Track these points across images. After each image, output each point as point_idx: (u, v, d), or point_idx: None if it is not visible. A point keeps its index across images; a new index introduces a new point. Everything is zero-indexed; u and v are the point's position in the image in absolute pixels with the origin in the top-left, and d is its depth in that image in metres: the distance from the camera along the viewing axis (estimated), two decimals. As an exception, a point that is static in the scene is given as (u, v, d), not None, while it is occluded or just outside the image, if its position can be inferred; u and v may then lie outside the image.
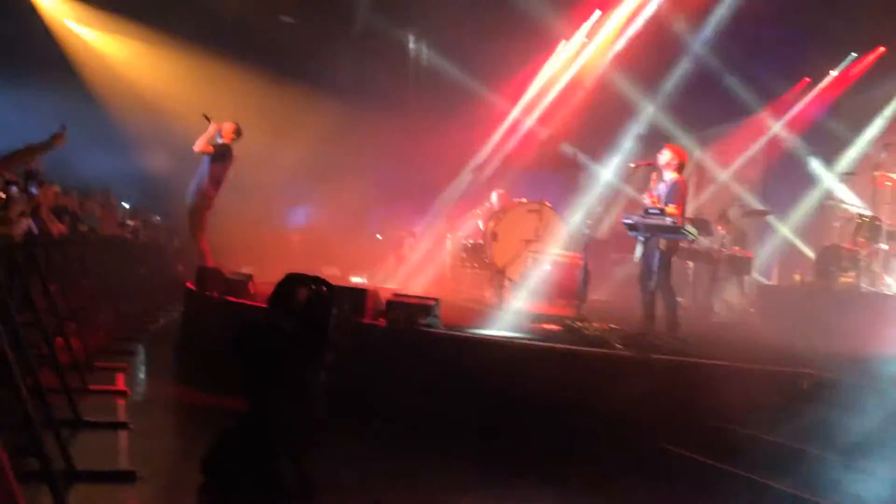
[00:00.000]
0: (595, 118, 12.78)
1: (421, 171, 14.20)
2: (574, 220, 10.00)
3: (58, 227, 9.86)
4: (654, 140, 9.90)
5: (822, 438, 5.03)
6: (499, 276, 9.53)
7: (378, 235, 14.88)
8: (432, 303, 6.41)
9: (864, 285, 9.50)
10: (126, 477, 4.36)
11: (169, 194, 13.66)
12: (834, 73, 13.21)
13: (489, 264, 10.19)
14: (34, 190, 9.46)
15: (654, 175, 7.67)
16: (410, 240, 13.92)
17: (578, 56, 13.93)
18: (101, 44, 14.25)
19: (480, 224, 11.38)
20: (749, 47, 11.82)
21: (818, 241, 10.75)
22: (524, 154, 14.18)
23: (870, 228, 9.75)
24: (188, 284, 9.52)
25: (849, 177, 10.40)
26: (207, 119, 9.56)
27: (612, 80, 12.91)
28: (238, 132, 9.72)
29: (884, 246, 9.66)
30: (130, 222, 14.31)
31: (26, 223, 7.90)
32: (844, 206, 10.26)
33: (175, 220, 14.85)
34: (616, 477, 5.31)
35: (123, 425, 5.41)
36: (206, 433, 4.79)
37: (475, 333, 6.43)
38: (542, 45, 13.83)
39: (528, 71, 14.37)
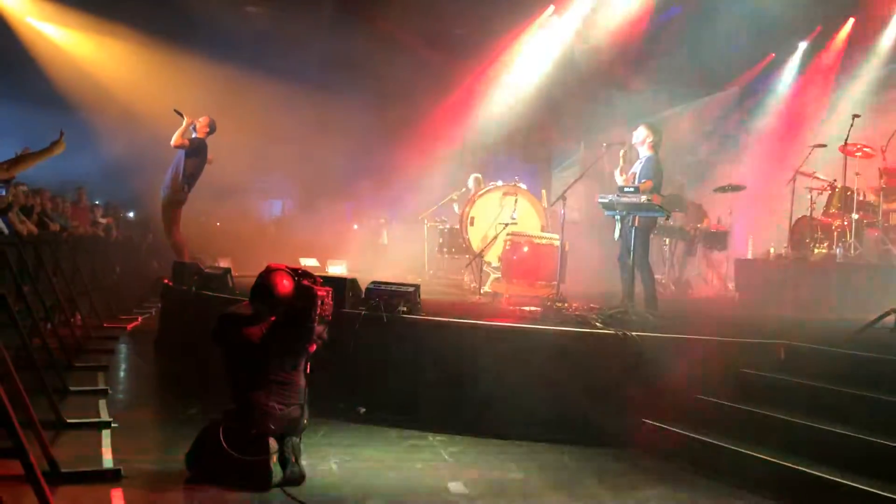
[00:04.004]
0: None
1: (396, 159, 14.16)
2: (549, 201, 10.03)
3: (28, 227, 9.74)
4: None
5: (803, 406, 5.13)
6: (477, 261, 9.55)
7: (354, 225, 14.84)
8: (412, 289, 6.42)
9: (839, 255, 9.61)
10: (112, 475, 4.33)
11: (140, 190, 13.53)
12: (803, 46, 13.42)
13: (467, 249, 10.19)
14: (2, 191, 9.32)
15: (623, 153, 7.69)
16: (387, 227, 13.88)
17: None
18: (66, 40, 14.00)
19: (457, 208, 11.37)
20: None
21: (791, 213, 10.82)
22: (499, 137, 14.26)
23: (841, 199, 9.85)
24: (165, 280, 9.44)
25: (819, 148, 10.52)
26: (180, 114, 9.42)
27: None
28: (212, 126, 9.63)
29: (855, 216, 9.77)
30: (103, 220, 14.16)
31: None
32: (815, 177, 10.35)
33: (148, 215, 14.69)
34: (601, 448, 5.41)
35: (106, 424, 5.37)
36: (190, 427, 4.79)
37: (455, 319, 6.44)
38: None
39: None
